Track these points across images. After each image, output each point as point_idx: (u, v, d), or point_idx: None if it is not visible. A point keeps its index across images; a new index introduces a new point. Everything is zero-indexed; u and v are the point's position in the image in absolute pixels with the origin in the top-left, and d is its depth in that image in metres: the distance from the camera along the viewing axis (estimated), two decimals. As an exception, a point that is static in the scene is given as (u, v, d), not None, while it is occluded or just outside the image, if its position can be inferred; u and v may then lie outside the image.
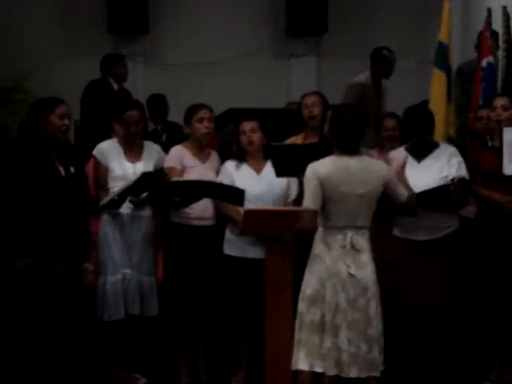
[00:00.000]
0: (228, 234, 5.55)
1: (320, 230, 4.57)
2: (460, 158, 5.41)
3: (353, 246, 4.50)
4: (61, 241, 4.91)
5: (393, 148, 5.66)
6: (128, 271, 5.46)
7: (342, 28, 9.49)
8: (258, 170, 5.58)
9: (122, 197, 5.40)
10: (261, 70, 9.58)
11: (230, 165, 5.61)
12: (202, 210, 5.52)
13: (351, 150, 4.56)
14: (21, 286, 4.84)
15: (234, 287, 5.50)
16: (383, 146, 5.94)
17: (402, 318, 5.34)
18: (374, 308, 4.52)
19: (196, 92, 8.44)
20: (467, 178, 5.36)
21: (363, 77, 7.50)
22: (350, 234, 4.50)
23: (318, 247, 4.56)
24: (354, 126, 4.56)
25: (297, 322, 4.58)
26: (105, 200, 5.43)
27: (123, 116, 5.54)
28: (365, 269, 4.51)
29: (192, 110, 5.67)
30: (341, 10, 9.55)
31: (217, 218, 5.61)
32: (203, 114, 5.63)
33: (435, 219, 5.32)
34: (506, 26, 6.41)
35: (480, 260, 5.46)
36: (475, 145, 5.63)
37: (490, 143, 5.53)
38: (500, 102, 5.49)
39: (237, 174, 5.54)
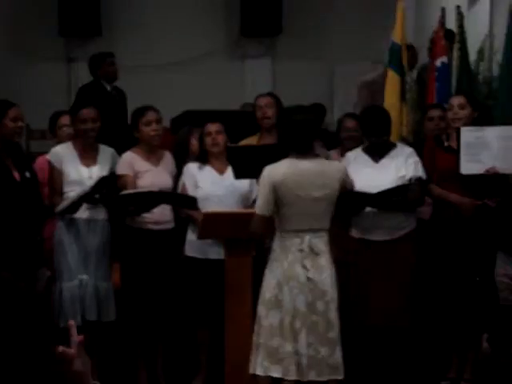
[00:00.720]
0: (189, 236, 5.51)
1: (277, 233, 4.54)
2: (417, 158, 5.43)
3: (311, 249, 4.48)
4: (15, 247, 4.83)
5: (352, 148, 5.66)
6: (84, 277, 5.40)
7: (296, 29, 9.51)
8: (221, 172, 5.55)
9: (79, 202, 5.33)
10: (216, 72, 9.55)
11: (192, 166, 5.57)
12: (159, 214, 5.46)
13: (304, 152, 4.52)
14: None
15: (195, 289, 5.46)
16: (344, 146, 5.95)
17: (361, 318, 5.34)
18: (334, 311, 4.51)
19: (150, 94, 8.39)
20: (424, 178, 5.38)
21: (375, 74, 7.40)
22: (307, 237, 4.48)
23: (275, 251, 4.54)
24: (305, 128, 4.53)
25: (255, 326, 4.55)
26: (61, 206, 5.36)
27: (79, 114, 5.46)
28: (323, 272, 4.49)
29: (138, 114, 5.59)
30: (295, 11, 9.56)
31: (175, 220, 5.56)
32: (150, 116, 5.55)
33: (392, 219, 5.35)
34: (460, 26, 6.44)
35: (435, 260, 5.47)
36: (431, 144, 5.65)
37: (445, 143, 5.55)
38: (456, 100, 5.51)
39: (200, 175, 5.50)
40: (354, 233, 5.46)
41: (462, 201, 5.39)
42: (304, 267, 4.45)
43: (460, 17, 6.46)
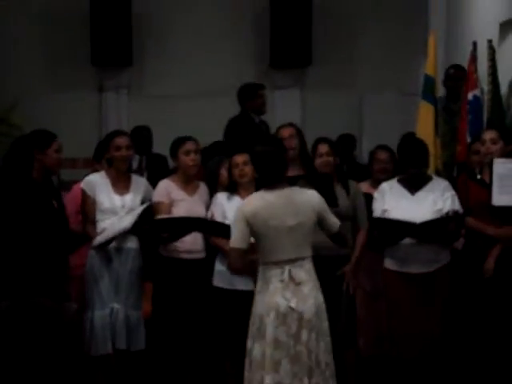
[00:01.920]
0: (218, 266, 5.52)
1: (260, 266, 4.53)
2: (453, 192, 5.42)
3: (291, 279, 4.45)
4: (50, 276, 4.88)
5: (384, 180, 5.65)
6: (116, 305, 5.42)
7: (325, 60, 9.51)
8: (249, 203, 5.55)
9: (116, 237, 5.39)
10: (245, 103, 9.56)
11: (221, 196, 5.60)
12: (191, 243, 5.50)
13: (272, 183, 4.52)
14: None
15: (223, 320, 5.46)
16: (375, 178, 5.95)
17: (393, 350, 5.33)
18: (314, 340, 4.44)
19: (180, 124, 8.45)
20: (461, 211, 5.36)
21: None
22: (287, 267, 4.45)
23: (258, 284, 4.53)
24: (272, 160, 4.52)
25: (246, 360, 4.53)
26: (98, 240, 5.42)
27: (113, 141, 5.53)
28: (306, 301, 4.45)
29: (178, 143, 5.66)
30: (325, 43, 9.57)
31: (206, 250, 5.58)
32: (189, 146, 5.62)
33: (429, 253, 5.33)
34: (491, 59, 6.44)
35: (469, 290, 5.45)
36: (464, 177, 5.65)
37: (478, 176, 5.56)
38: (488, 135, 5.52)
39: (228, 206, 5.53)
40: (389, 264, 5.43)
41: (500, 232, 5.39)
42: (284, 297, 4.43)
43: (491, 51, 6.46)
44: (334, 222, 4.62)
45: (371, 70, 9.67)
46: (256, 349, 4.44)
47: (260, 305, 4.48)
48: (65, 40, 9.50)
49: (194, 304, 5.48)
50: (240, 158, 5.55)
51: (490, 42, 6.51)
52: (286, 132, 6.03)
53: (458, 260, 5.54)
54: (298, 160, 5.91)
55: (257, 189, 5.43)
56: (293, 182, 5.04)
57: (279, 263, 4.45)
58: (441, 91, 7.07)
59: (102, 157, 5.87)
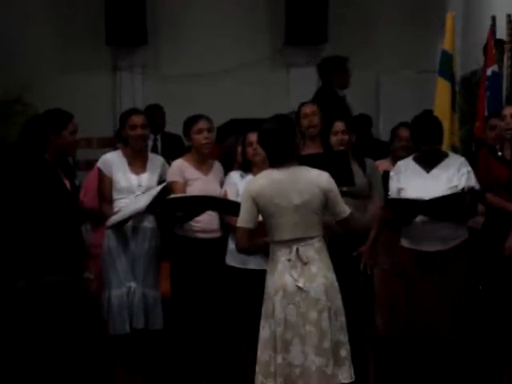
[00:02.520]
0: (231, 245, 5.48)
1: (270, 245, 4.49)
2: (469, 168, 5.35)
3: (299, 259, 4.40)
4: (65, 253, 4.86)
5: (405, 158, 5.60)
6: (133, 284, 5.40)
7: (341, 38, 9.43)
8: (263, 181, 5.51)
9: (130, 218, 5.37)
10: (261, 81, 9.53)
11: (234, 175, 5.57)
12: (206, 222, 5.47)
13: (278, 162, 4.46)
14: (20, 308, 4.76)
15: (236, 299, 5.44)
16: (395, 156, 5.90)
17: (412, 329, 5.29)
18: (327, 320, 4.38)
19: (196, 103, 8.38)
20: (477, 188, 5.31)
21: None
22: (295, 246, 4.40)
23: (269, 264, 4.49)
24: (279, 138, 4.45)
25: (259, 341, 4.48)
26: (112, 220, 5.40)
27: (128, 120, 5.50)
28: (314, 280, 4.39)
29: (190, 122, 5.62)
30: (341, 20, 9.50)
31: (222, 230, 5.55)
32: (202, 124, 5.57)
33: (445, 230, 5.27)
34: (510, 34, 6.36)
35: (488, 270, 5.41)
36: (485, 153, 5.58)
37: (499, 153, 5.50)
38: (510, 110, 5.45)
39: (241, 185, 5.48)
40: (405, 243, 5.39)
41: None
42: (292, 277, 4.39)
43: (511, 25, 6.38)
44: (343, 209, 4.49)
45: (388, 49, 9.61)
46: (265, 328, 4.42)
47: (268, 284, 4.45)
48: (79, 19, 9.50)
49: (211, 283, 5.46)
50: (254, 136, 5.49)
51: (509, 16, 6.42)
52: (308, 109, 6.01)
53: (477, 239, 5.48)
54: (319, 138, 5.86)
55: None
56: (312, 159, 5.00)
57: (287, 242, 4.41)
58: (463, 69, 7.01)
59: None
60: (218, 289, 5.48)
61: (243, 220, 4.46)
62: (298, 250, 4.39)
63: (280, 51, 9.67)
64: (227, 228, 5.53)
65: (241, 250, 4.58)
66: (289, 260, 4.40)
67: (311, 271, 4.40)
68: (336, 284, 4.46)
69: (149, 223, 5.49)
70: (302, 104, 6.17)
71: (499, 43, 6.58)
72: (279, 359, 4.34)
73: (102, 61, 9.58)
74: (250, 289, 5.29)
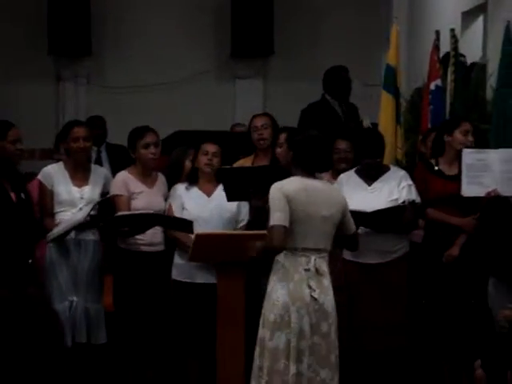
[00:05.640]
0: (176, 259, 5.44)
1: (284, 253, 4.43)
2: (410, 182, 5.43)
3: (316, 270, 4.40)
4: (8, 267, 4.77)
5: (344, 170, 5.63)
6: (75, 298, 5.33)
7: (287, 50, 9.48)
8: (209, 193, 5.49)
9: (71, 230, 5.30)
10: (206, 93, 9.52)
11: (179, 187, 5.52)
12: (150, 235, 5.41)
13: (318, 170, 4.53)
14: None
15: (183, 313, 5.38)
16: (335, 169, 5.91)
17: (354, 342, 5.30)
18: (334, 333, 4.45)
19: (141, 114, 8.36)
20: (418, 201, 5.37)
21: None
22: (313, 257, 4.40)
23: (279, 271, 4.42)
24: (324, 146, 4.52)
25: (257, 349, 4.44)
26: (53, 233, 5.32)
27: (71, 132, 5.41)
28: (327, 293, 4.43)
29: (137, 135, 5.53)
30: (286, 32, 9.54)
31: (166, 243, 5.50)
32: (149, 138, 5.50)
33: (385, 242, 5.34)
34: (454, 49, 6.42)
35: (428, 283, 5.46)
36: (421, 168, 5.65)
37: (435, 167, 5.55)
38: (470, 127, 5.52)
39: (186, 197, 5.45)
40: (346, 255, 5.41)
41: (463, 222, 5.40)
42: (310, 287, 4.38)
43: (454, 40, 6.44)
44: (352, 226, 4.59)
45: (334, 61, 9.62)
46: (277, 338, 4.36)
47: (283, 293, 4.37)
48: (21, 28, 9.36)
49: (155, 297, 5.40)
50: (212, 148, 5.46)
51: (452, 30, 6.49)
52: (259, 121, 5.97)
53: (417, 252, 5.53)
54: (270, 150, 5.82)
55: (218, 181, 5.37)
56: (263, 171, 4.98)
57: (306, 251, 4.39)
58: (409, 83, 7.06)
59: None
60: (161, 302, 5.43)
61: (280, 219, 4.33)
62: (316, 260, 4.39)
63: (226, 63, 9.66)
64: (171, 242, 5.48)
65: (277, 248, 4.37)
66: (306, 270, 4.37)
67: (325, 284, 4.42)
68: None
69: (92, 236, 5.42)
70: (254, 116, 6.13)
71: (445, 58, 6.63)
72: (294, 369, 4.32)
73: (45, 70, 9.47)
74: (197, 303, 5.27)
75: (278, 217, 4.35)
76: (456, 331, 5.35)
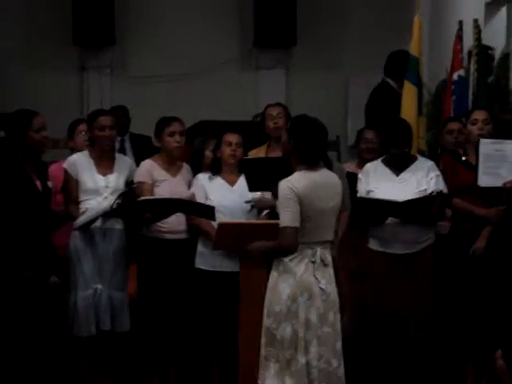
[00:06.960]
0: (200, 248, 5.47)
1: None
2: (438, 172, 5.40)
3: (322, 261, 4.42)
4: (33, 253, 4.82)
5: (371, 160, 5.62)
6: (99, 286, 5.38)
7: (310, 40, 9.47)
8: (232, 183, 5.53)
9: (96, 218, 5.34)
10: (229, 83, 9.54)
11: (202, 177, 5.55)
12: (174, 223, 5.46)
13: (316, 163, 4.45)
14: None
15: (205, 302, 5.42)
16: (361, 158, 5.92)
17: (378, 331, 5.32)
18: (339, 322, 4.47)
19: (164, 104, 8.41)
20: (445, 191, 5.34)
21: None
22: (318, 248, 4.42)
23: (285, 263, 4.43)
24: (319, 136, 4.43)
25: (263, 339, 4.47)
26: (79, 221, 5.36)
27: (96, 121, 5.46)
28: (332, 283, 4.46)
29: (164, 123, 5.59)
30: (309, 23, 9.53)
31: (189, 231, 5.54)
32: (175, 127, 5.55)
33: (412, 233, 5.32)
34: (477, 39, 6.40)
35: (454, 274, 5.44)
36: (450, 158, 5.61)
37: (463, 157, 5.53)
38: (481, 115, 5.48)
39: (209, 186, 5.49)
40: (372, 244, 5.42)
41: (489, 212, 5.36)
42: (316, 278, 4.40)
43: (477, 30, 6.42)
44: (348, 199, 4.64)
45: (356, 51, 9.64)
46: (284, 328, 4.38)
47: (290, 284, 4.39)
48: (46, 18, 9.42)
49: (178, 285, 5.44)
50: (235, 138, 5.49)
51: (475, 21, 6.47)
52: (274, 111, 6.01)
53: (444, 243, 5.51)
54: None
55: (239, 172, 5.39)
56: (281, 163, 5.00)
57: (312, 244, 4.41)
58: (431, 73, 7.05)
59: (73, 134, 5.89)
60: (185, 290, 5.47)
61: (293, 220, 4.34)
62: (321, 252, 4.41)
63: (249, 53, 9.67)
64: (195, 230, 5.51)
65: (290, 249, 4.39)
66: (313, 262, 4.40)
67: (330, 274, 4.45)
68: None
69: (116, 224, 5.46)
70: (268, 105, 6.16)
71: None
72: (301, 359, 4.35)
73: (70, 60, 9.53)
74: (220, 291, 5.31)
75: (290, 217, 4.35)
76: (481, 323, 5.32)
